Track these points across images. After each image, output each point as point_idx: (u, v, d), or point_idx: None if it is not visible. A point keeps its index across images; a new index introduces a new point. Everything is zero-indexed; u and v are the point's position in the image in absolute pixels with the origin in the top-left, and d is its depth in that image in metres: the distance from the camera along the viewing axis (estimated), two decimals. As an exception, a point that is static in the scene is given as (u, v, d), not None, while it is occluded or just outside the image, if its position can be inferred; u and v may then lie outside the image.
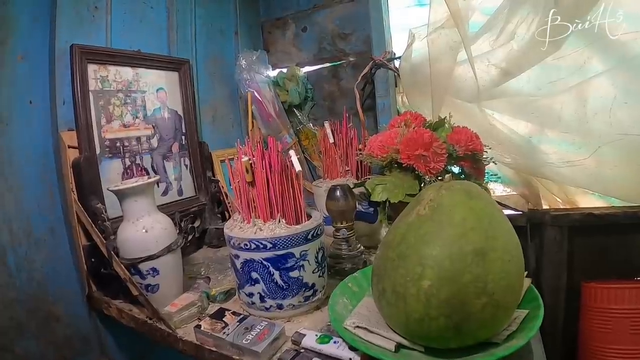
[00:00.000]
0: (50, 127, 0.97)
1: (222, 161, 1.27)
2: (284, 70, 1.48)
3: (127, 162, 1.04)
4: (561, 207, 1.17)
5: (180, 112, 1.18)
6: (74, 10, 0.99)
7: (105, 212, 0.92)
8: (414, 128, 0.95)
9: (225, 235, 0.80)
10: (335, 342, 0.65)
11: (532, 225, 1.18)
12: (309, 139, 1.44)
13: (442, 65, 1.04)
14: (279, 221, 0.79)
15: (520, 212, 1.19)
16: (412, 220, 0.61)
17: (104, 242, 0.86)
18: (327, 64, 1.41)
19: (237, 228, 0.80)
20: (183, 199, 1.15)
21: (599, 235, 1.11)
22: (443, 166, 0.91)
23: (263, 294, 0.77)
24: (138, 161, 1.06)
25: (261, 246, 0.75)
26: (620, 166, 0.99)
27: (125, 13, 1.10)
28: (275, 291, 0.77)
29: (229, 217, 1.19)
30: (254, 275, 0.77)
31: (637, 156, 0.95)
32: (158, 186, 1.10)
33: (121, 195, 0.83)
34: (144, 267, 0.82)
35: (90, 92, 0.98)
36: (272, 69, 1.51)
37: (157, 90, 1.13)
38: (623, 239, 1.10)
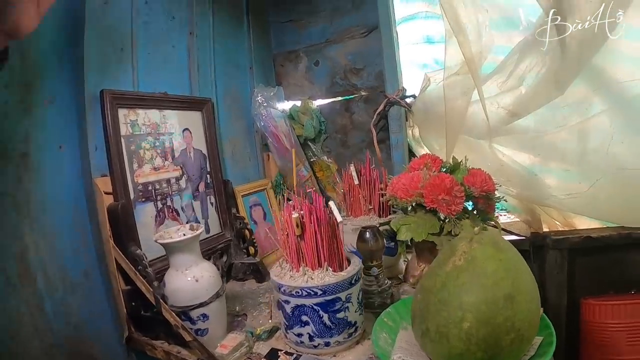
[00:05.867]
0: (81, 172, 0.99)
1: (244, 196, 1.33)
2: (297, 103, 1.54)
3: (159, 205, 1.08)
4: (560, 229, 1.31)
5: (205, 151, 1.22)
6: (101, 52, 1.02)
7: (146, 258, 0.96)
8: (434, 173, 1.06)
9: (273, 282, 0.86)
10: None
11: (534, 249, 1.31)
12: (323, 171, 1.51)
13: (456, 108, 1.14)
14: (327, 269, 0.87)
15: (524, 237, 1.32)
16: (449, 270, 0.71)
17: (151, 289, 0.91)
18: (339, 98, 1.49)
19: (287, 277, 0.87)
20: (210, 237, 1.19)
21: (596, 255, 1.25)
22: (462, 207, 1.02)
23: (312, 334, 0.84)
24: (169, 203, 1.10)
25: (312, 293, 0.82)
26: (615, 196, 1.13)
27: (149, 53, 1.13)
28: (324, 331, 0.84)
29: (255, 252, 1.25)
30: (304, 318, 0.84)
31: (631, 187, 1.09)
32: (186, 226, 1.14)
33: (170, 247, 0.88)
34: (194, 313, 0.88)
35: (122, 137, 1.02)
36: (284, 101, 1.57)
37: (183, 131, 1.17)
38: (618, 257, 1.25)
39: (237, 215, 1.25)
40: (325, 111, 1.54)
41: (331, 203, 0.91)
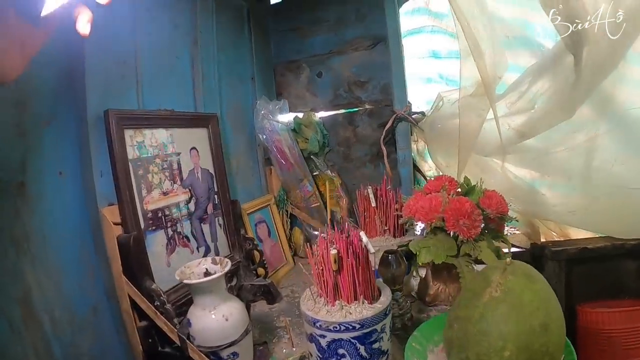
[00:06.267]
0: (85, 201, 0.91)
1: (249, 214, 1.28)
2: (300, 115, 1.50)
3: (170, 232, 1.01)
4: (556, 239, 1.36)
5: (212, 170, 1.15)
6: (102, 66, 0.93)
7: (164, 294, 0.90)
8: (453, 195, 1.07)
9: (307, 317, 0.83)
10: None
11: (533, 259, 1.38)
12: (326, 185, 1.47)
13: (470, 127, 1.16)
14: (362, 302, 0.86)
15: (524, 249, 1.37)
16: (487, 300, 0.73)
17: (175, 330, 0.85)
18: (343, 110, 1.46)
19: (323, 312, 0.84)
20: (220, 261, 1.14)
21: (592, 264, 1.29)
22: (480, 230, 1.04)
23: None
24: (179, 229, 1.03)
25: (350, 327, 0.80)
26: (614, 212, 1.19)
27: (153, 66, 1.05)
28: None
29: (265, 273, 1.21)
30: (341, 351, 0.82)
31: (631, 204, 1.15)
32: (198, 251, 1.08)
33: (196, 287, 0.84)
34: (225, 353, 0.84)
35: (129, 161, 0.94)
36: (287, 114, 1.52)
37: (190, 150, 1.10)
38: (612, 266, 1.30)
39: (246, 236, 1.20)
40: (328, 124, 1.51)
41: (362, 234, 0.89)
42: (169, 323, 0.86)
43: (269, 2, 1.55)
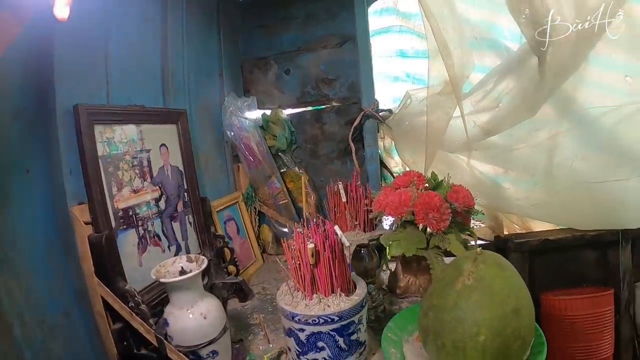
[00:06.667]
0: (53, 199, 0.90)
1: (218, 211, 1.30)
2: (267, 112, 1.53)
3: (141, 231, 1.02)
4: (519, 232, 1.50)
5: (181, 167, 1.17)
6: (71, 59, 0.91)
7: (138, 294, 0.92)
8: (421, 190, 1.16)
9: (285, 311, 0.88)
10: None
11: (498, 251, 1.49)
12: (294, 182, 1.52)
13: (437, 125, 1.24)
14: (340, 295, 0.92)
15: (489, 242, 1.49)
16: (460, 289, 0.80)
17: (152, 330, 0.87)
18: (310, 108, 1.51)
19: (302, 306, 0.89)
20: (191, 259, 1.16)
21: (553, 254, 1.45)
22: (448, 223, 1.13)
23: (327, 358, 0.88)
24: (150, 228, 1.04)
25: (329, 320, 0.86)
26: (574, 204, 1.33)
27: (123, 60, 1.05)
28: (339, 354, 0.89)
29: (237, 271, 1.24)
30: (320, 344, 0.88)
31: (590, 197, 1.29)
32: (169, 250, 1.10)
33: (172, 286, 0.86)
34: (204, 351, 0.87)
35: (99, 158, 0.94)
36: (254, 110, 1.54)
37: (160, 146, 1.11)
38: (573, 256, 1.46)
39: (217, 234, 1.22)
40: (296, 121, 1.55)
41: (337, 228, 0.95)
42: (145, 324, 0.88)
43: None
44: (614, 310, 1.46)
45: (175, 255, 1.11)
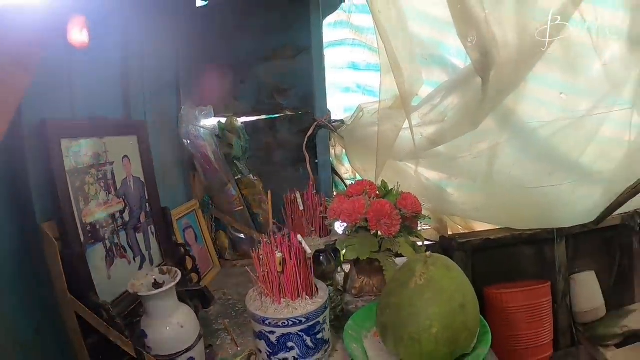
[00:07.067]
0: (22, 217, 0.92)
1: (177, 220, 1.35)
2: (222, 120, 1.59)
3: (108, 244, 1.06)
4: (462, 232, 1.72)
5: (142, 178, 1.21)
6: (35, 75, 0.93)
7: (112, 308, 0.97)
8: (374, 198, 1.30)
9: (256, 316, 0.98)
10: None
11: (443, 251, 1.67)
12: (249, 189, 1.60)
13: (387, 136, 1.39)
14: (305, 298, 1.04)
15: (435, 242, 1.68)
16: (414, 288, 0.94)
17: (130, 342, 0.93)
18: (265, 116, 1.60)
19: (271, 310, 0.98)
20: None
21: (494, 252, 1.67)
22: (399, 228, 1.29)
23: (297, 357, 0.99)
24: (116, 240, 1.08)
25: (297, 322, 0.97)
26: (512, 207, 1.56)
27: (84, 72, 1.07)
28: (307, 353, 0.99)
29: (199, 279, 1.30)
30: (290, 344, 0.98)
31: (526, 201, 1.52)
32: (135, 261, 1.14)
33: (149, 298, 0.92)
34: (182, 359, 0.94)
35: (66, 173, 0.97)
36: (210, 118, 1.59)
37: (123, 158, 1.15)
38: (512, 253, 1.70)
39: (178, 243, 1.28)
40: (250, 129, 1.63)
41: (299, 237, 1.07)
42: (122, 337, 0.94)
43: (195, 5, 1.61)
44: (551, 301, 1.71)
45: (140, 267, 1.16)
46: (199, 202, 1.53)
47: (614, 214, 1.74)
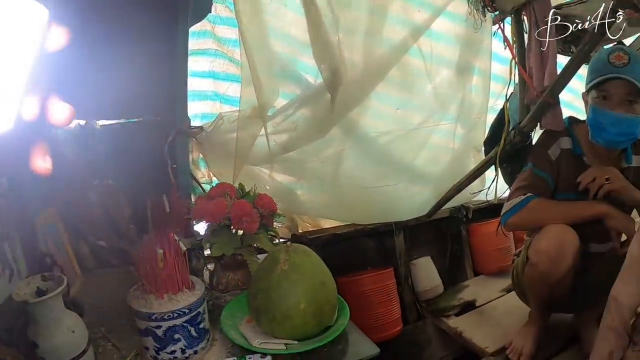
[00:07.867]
0: None
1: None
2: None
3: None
4: (311, 229, 2.05)
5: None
6: None
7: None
8: (235, 199, 1.52)
9: (141, 313, 1.10)
10: (250, 358, 1.16)
11: None
12: (108, 195, 1.65)
13: (244, 144, 1.65)
14: (185, 291, 1.18)
15: (287, 239, 1.96)
16: (280, 272, 1.19)
17: (21, 356, 0.99)
18: (124, 120, 1.69)
19: (155, 305, 1.12)
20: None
21: (342, 245, 2.03)
22: (258, 226, 1.52)
23: (184, 348, 1.14)
24: (-17, 253, 1.12)
25: (182, 313, 1.12)
26: (355, 205, 1.94)
27: None
28: (193, 342, 1.15)
29: (68, 287, 1.36)
30: (177, 336, 1.13)
31: (366, 199, 1.90)
32: (5, 273, 1.18)
33: (40, 305, 0.98)
34: (77, 364, 1.03)
35: None
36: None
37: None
38: (357, 245, 2.09)
39: (43, 252, 1.34)
40: (109, 135, 1.68)
41: (175, 235, 1.24)
42: (13, 352, 0.99)
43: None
44: (396, 283, 2.13)
45: (10, 279, 1.21)
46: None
47: (444, 207, 2.30)
